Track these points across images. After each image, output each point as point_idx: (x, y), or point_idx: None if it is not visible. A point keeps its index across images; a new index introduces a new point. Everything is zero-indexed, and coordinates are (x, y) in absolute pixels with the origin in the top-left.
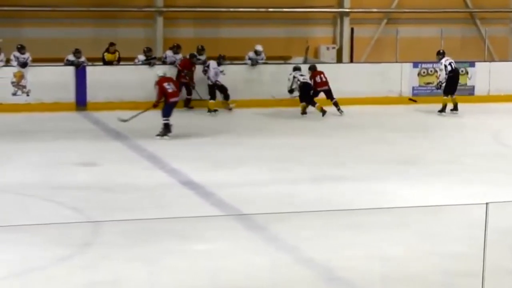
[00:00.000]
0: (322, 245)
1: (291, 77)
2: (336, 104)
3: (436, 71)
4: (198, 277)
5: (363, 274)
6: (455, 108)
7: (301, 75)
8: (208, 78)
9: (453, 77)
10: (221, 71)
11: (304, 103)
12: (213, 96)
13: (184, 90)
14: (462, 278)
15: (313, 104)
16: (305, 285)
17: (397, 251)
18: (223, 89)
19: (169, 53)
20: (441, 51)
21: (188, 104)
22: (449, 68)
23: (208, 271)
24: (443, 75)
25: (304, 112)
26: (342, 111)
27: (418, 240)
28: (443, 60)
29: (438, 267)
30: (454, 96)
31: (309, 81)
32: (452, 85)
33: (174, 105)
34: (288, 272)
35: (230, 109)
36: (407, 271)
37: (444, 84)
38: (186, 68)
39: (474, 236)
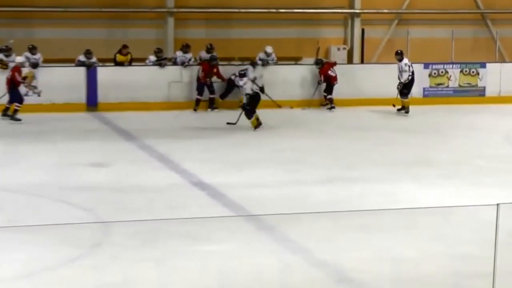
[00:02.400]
0: (333, 246)
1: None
2: (331, 100)
3: (447, 72)
4: (208, 278)
5: (373, 275)
6: (406, 109)
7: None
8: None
9: (413, 79)
10: (261, 76)
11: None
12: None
13: (206, 90)
14: (473, 279)
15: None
16: (315, 286)
17: (408, 253)
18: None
19: (179, 53)
20: (399, 51)
21: (212, 105)
22: (411, 69)
23: (218, 272)
24: (406, 76)
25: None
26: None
27: (429, 242)
28: (406, 61)
29: (449, 269)
30: (408, 99)
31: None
32: (411, 86)
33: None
34: (298, 273)
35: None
36: (418, 273)
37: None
38: (207, 73)
39: (485, 237)
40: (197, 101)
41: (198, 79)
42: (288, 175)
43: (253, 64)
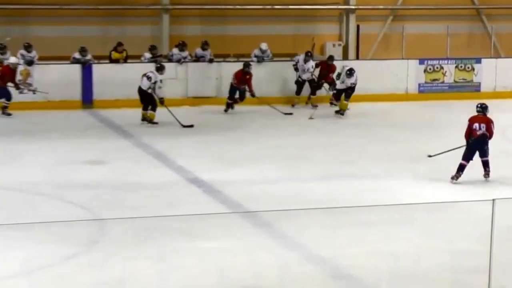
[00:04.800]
0: (330, 242)
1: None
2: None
3: (442, 67)
4: (206, 275)
5: (371, 271)
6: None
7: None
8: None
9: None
10: (308, 69)
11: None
12: (297, 92)
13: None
14: (470, 274)
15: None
16: (313, 282)
17: (405, 248)
18: (310, 85)
19: (175, 50)
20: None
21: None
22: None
23: (215, 269)
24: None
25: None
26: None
27: (426, 237)
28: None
29: (446, 264)
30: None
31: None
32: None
33: None
34: (295, 269)
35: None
36: (415, 268)
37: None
38: (240, 80)
39: (481, 232)
40: (228, 105)
41: (232, 84)
42: (286, 171)
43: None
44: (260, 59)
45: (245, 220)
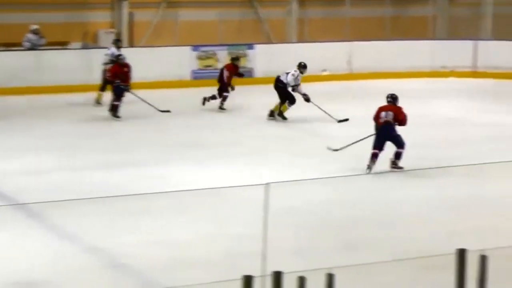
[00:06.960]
0: (106, 232)
1: None
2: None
3: (215, 54)
4: None
5: (146, 260)
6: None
7: None
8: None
9: None
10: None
11: None
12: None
13: None
14: (246, 259)
15: None
16: (89, 273)
17: (182, 235)
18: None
19: None
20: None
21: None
22: None
23: None
24: None
25: None
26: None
27: (203, 223)
28: None
29: (223, 249)
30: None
31: None
32: None
33: None
34: (70, 261)
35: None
36: (191, 255)
37: None
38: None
39: (257, 216)
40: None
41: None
42: (60, 161)
43: None
44: (34, 45)
45: (17, 212)
